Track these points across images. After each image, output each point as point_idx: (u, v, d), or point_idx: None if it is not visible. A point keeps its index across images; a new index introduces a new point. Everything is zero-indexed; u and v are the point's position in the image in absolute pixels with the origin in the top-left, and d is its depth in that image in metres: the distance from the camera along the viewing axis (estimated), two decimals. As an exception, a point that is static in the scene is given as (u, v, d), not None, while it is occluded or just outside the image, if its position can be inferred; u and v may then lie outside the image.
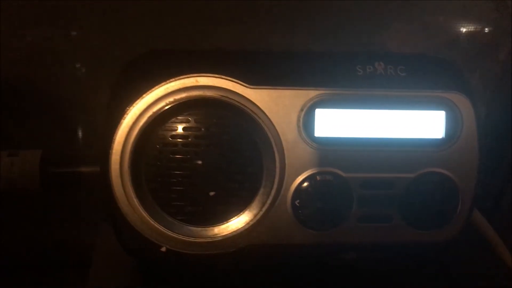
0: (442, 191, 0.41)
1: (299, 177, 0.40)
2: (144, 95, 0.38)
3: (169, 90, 0.38)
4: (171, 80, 0.38)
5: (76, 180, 0.50)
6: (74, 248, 0.53)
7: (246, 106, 0.39)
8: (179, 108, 0.39)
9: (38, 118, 0.55)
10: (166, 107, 0.38)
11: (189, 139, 0.39)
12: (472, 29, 0.61)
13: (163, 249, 0.40)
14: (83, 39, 0.54)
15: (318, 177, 0.40)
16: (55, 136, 0.55)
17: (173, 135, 0.39)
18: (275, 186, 0.40)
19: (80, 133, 0.56)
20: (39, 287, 0.50)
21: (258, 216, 0.40)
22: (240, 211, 0.40)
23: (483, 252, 0.47)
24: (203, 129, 0.39)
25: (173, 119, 0.39)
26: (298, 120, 0.39)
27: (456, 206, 0.42)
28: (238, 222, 0.40)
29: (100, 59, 0.55)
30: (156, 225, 0.39)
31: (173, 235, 0.40)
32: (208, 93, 0.39)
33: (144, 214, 0.39)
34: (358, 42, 0.57)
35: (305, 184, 0.40)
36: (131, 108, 0.38)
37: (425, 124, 0.41)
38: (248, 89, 0.39)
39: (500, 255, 0.47)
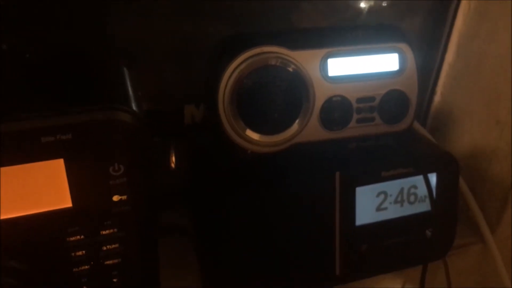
0: (401, 100, 0.67)
1: (322, 99, 0.65)
2: (234, 59, 0.64)
3: (247, 56, 0.66)
4: (247, 50, 0.65)
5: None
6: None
7: (291, 62, 0.66)
8: (255, 64, 0.66)
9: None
10: (247, 63, 0.64)
11: (261, 82, 0.66)
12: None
13: (249, 151, 0.69)
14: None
15: (333, 99, 0.67)
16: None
17: (253, 81, 0.65)
18: (310, 105, 0.68)
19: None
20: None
21: (303, 124, 0.68)
22: (293, 122, 0.68)
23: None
24: (269, 76, 0.66)
25: (251, 71, 0.65)
26: (320, 66, 0.64)
27: (408, 108, 0.68)
28: (291, 129, 0.69)
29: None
30: (244, 135, 0.66)
31: (254, 141, 0.67)
32: (270, 55, 0.66)
33: (238, 129, 0.66)
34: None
35: (326, 103, 0.66)
36: (229, 65, 0.64)
37: (387, 62, 0.65)
38: (291, 52, 0.63)
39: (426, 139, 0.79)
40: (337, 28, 0.72)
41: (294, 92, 0.66)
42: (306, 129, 0.69)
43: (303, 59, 0.66)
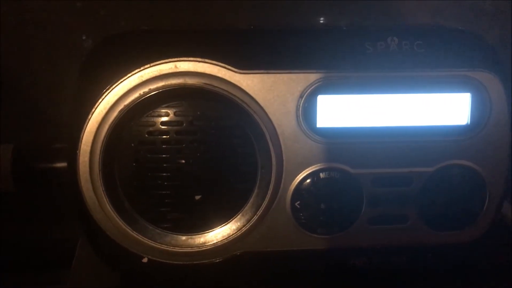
0: (467, 187, 0.37)
1: (300, 175, 0.35)
2: (115, 85, 0.33)
3: (144, 79, 0.33)
4: (145, 66, 0.33)
5: (53, 177, 0.45)
6: (54, 250, 0.49)
7: (235, 95, 0.33)
8: (156, 100, 0.33)
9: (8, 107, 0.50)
10: (141, 99, 0.33)
11: (169, 136, 0.34)
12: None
13: (145, 260, 0.36)
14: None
15: (321, 175, 0.35)
16: (28, 128, 0.50)
17: (150, 131, 0.34)
18: (271, 186, 0.35)
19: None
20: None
21: (253, 221, 0.35)
22: (232, 216, 0.36)
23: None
24: (185, 124, 0.34)
25: (150, 113, 0.34)
26: (297, 109, 0.34)
27: (482, 203, 0.37)
28: (229, 229, 0.36)
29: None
30: (135, 234, 0.35)
31: (155, 245, 0.35)
32: (190, 81, 0.33)
33: (120, 222, 0.34)
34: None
35: (307, 182, 0.36)
36: (100, 100, 0.33)
37: (447, 109, 0.36)
38: (237, 75, 0.34)
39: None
40: (344, 30, 0.37)
41: (237, 155, 0.35)
42: (263, 229, 0.36)
43: (262, 91, 0.34)
